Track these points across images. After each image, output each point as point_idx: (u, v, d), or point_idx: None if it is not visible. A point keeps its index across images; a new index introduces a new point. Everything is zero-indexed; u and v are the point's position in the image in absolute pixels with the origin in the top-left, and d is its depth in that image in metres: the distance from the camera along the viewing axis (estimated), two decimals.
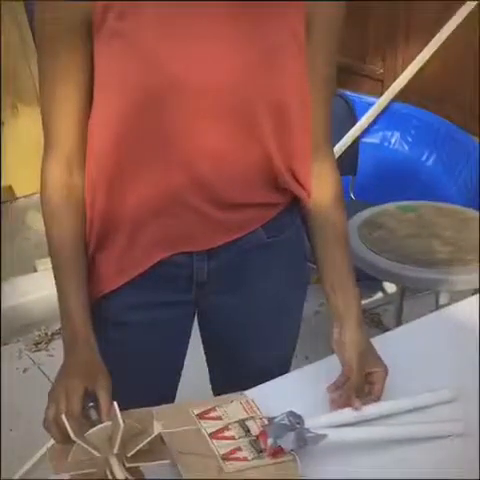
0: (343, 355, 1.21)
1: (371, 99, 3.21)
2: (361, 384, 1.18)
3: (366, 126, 2.70)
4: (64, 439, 1.00)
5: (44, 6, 1.07)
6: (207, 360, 1.45)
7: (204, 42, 1.06)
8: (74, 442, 0.96)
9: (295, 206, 1.27)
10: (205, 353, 1.44)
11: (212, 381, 1.47)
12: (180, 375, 1.38)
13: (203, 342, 1.41)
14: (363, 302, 2.58)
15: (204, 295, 1.27)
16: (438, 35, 2.94)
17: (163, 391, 1.34)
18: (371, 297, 2.70)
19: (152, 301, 1.24)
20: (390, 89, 2.92)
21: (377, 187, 2.86)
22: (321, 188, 1.24)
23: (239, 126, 1.12)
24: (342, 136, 2.24)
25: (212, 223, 1.18)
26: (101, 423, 0.99)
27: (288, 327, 1.40)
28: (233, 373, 1.38)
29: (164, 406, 1.13)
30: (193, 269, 1.23)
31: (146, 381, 1.30)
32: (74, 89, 1.11)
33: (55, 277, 1.19)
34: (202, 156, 1.12)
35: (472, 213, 2.11)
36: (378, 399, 1.18)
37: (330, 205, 1.25)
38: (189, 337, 1.35)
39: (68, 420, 0.97)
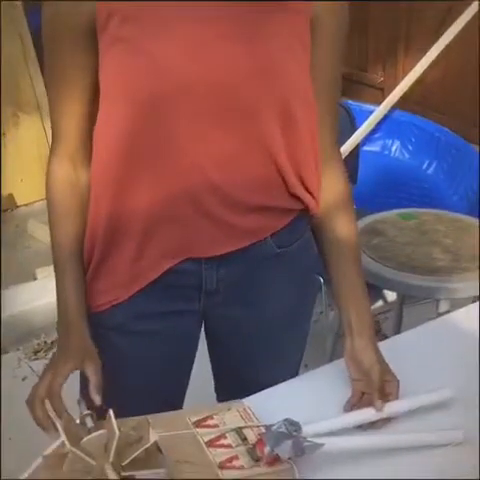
0: (360, 367, 1.19)
1: (371, 107, 3.22)
2: (382, 387, 1.17)
3: (366, 134, 2.70)
4: (43, 420, 1.07)
5: (50, 7, 1.09)
6: (213, 370, 1.44)
7: (207, 45, 1.07)
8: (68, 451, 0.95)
9: (305, 216, 1.26)
10: (211, 362, 1.42)
11: (217, 391, 1.46)
12: (187, 384, 1.37)
13: (209, 352, 1.40)
14: None
15: (212, 305, 1.26)
16: (437, 43, 2.95)
17: (170, 400, 1.33)
18: (371, 305, 2.69)
19: (160, 310, 1.23)
20: (389, 97, 2.93)
21: (378, 195, 2.86)
22: (330, 194, 1.23)
23: (246, 130, 1.11)
24: (342, 144, 2.24)
25: (223, 228, 1.18)
26: (97, 431, 0.98)
27: (296, 340, 1.39)
28: (238, 384, 1.35)
29: (161, 414, 1.12)
30: (202, 278, 1.22)
31: (152, 390, 1.29)
32: (78, 89, 1.13)
33: (56, 271, 1.21)
34: (211, 159, 1.12)
35: (472, 221, 2.11)
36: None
37: (340, 212, 1.25)
38: (196, 347, 1.34)
39: (62, 427, 0.97)
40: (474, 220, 2.11)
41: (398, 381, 1.18)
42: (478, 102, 3.29)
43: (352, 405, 1.19)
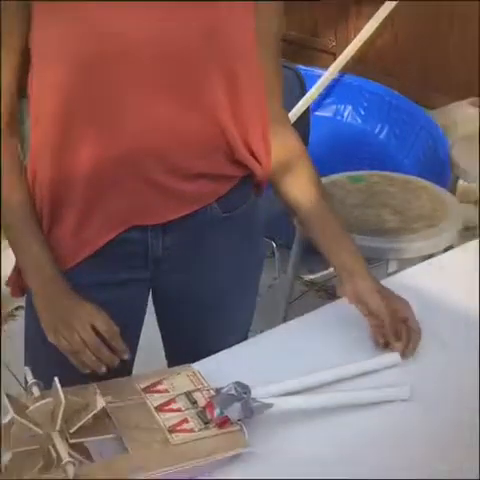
0: (368, 305, 1.20)
1: (323, 72, 3.21)
2: (396, 324, 1.19)
3: (315, 98, 2.69)
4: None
5: None
6: (162, 337, 1.43)
7: (147, 8, 1.05)
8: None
9: (250, 181, 1.26)
10: (160, 330, 1.42)
11: (168, 358, 1.46)
12: (135, 352, 1.37)
13: (158, 319, 1.40)
14: (315, 276, 2.60)
15: (159, 272, 1.26)
16: (383, 6, 2.94)
17: (119, 369, 1.32)
18: (324, 270, 2.70)
19: (107, 280, 1.23)
20: (338, 60, 2.93)
21: (330, 160, 2.85)
22: (283, 152, 1.24)
23: (190, 95, 1.11)
24: (292, 109, 2.24)
25: (167, 195, 1.17)
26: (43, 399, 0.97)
27: (245, 304, 1.40)
28: (189, 350, 1.35)
29: (110, 381, 1.11)
30: (148, 246, 1.21)
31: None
32: (9, 53, 1.09)
33: (15, 236, 1.19)
34: (154, 125, 1.11)
35: (421, 182, 2.12)
36: (420, 331, 1.20)
37: (297, 167, 1.25)
38: (144, 314, 1.34)
39: (7, 397, 0.96)
40: (423, 181, 2.13)
41: (408, 304, 1.21)
42: (428, 65, 3.31)
43: (375, 340, 1.21)
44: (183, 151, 1.15)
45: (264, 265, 1.43)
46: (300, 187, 1.26)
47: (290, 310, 2.21)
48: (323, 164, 2.85)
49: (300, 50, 3.86)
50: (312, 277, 2.57)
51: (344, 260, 1.24)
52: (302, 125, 2.15)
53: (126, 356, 1.16)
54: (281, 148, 1.24)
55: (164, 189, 1.16)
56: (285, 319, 2.16)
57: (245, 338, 1.38)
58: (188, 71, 1.09)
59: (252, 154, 1.21)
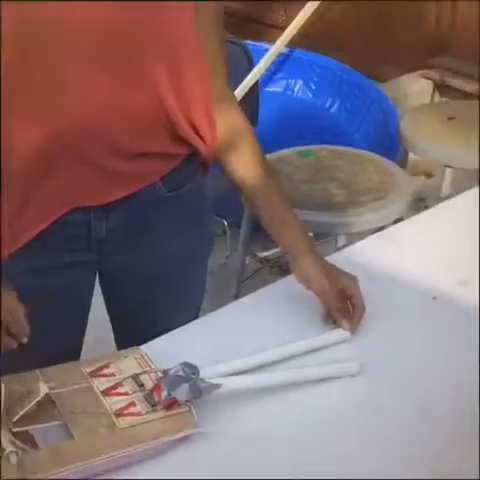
0: (312, 284, 1.20)
1: (271, 47, 3.18)
2: (341, 303, 1.19)
3: (263, 72, 2.67)
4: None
5: None
6: (111, 320, 1.41)
7: None
8: None
9: (195, 159, 1.24)
10: (109, 313, 1.40)
11: (117, 341, 1.43)
12: (83, 336, 1.35)
13: (106, 302, 1.38)
14: (268, 253, 2.59)
15: (105, 254, 1.24)
16: None
17: (67, 353, 1.30)
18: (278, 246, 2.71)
19: (51, 264, 1.20)
20: (284, 34, 2.90)
21: (281, 136, 2.84)
22: (227, 130, 1.22)
23: (130, 72, 1.09)
24: (239, 84, 2.21)
25: (109, 176, 1.15)
26: None
27: (193, 283, 1.38)
28: (138, 332, 1.33)
29: (54, 367, 1.09)
30: (91, 227, 1.19)
31: (49, 344, 1.26)
32: None
33: None
34: (93, 104, 1.08)
35: (369, 155, 2.12)
36: (364, 308, 1.19)
37: (242, 144, 1.24)
38: (91, 297, 1.32)
39: None
40: (371, 154, 2.13)
41: (355, 278, 1.21)
42: (377, 38, 3.31)
43: (324, 317, 1.21)
44: (124, 130, 1.13)
45: (216, 244, 1.42)
46: (244, 165, 1.24)
47: (244, 288, 2.20)
48: (275, 140, 2.84)
49: (250, 25, 3.83)
50: (266, 254, 2.56)
51: (288, 241, 1.23)
52: (251, 101, 2.13)
53: (24, 340, 1.10)
54: (225, 126, 1.22)
55: (105, 170, 1.14)
56: (237, 297, 2.15)
57: (196, 318, 1.36)
58: (127, 48, 1.07)
59: (196, 132, 1.19)
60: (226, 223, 2.41)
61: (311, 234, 2.35)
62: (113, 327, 1.42)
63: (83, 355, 1.34)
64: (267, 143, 2.79)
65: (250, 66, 2.28)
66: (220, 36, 1.20)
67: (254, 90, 2.27)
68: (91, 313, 1.34)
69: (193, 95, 1.16)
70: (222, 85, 1.22)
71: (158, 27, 1.08)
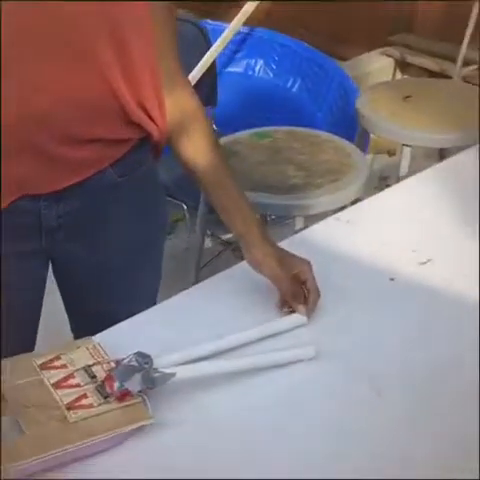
0: (264, 271, 1.19)
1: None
2: (295, 288, 1.18)
3: (220, 51, 2.63)
4: None
5: None
6: (66, 309, 1.39)
7: None
8: None
9: (146, 144, 1.22)
10: (64, 302, 1.38)
11: (73, 331, 1.42)
12: (37, 327, 1.33)
13: (61, 291, 1.35)
14: (226, 237, 2.57)
15: (55, 242, 1.21)
16: None
17: (20, 345, 1.27)
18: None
19: (2, 252, 1.17)
20: (241, 13, 2.86)
21: (243, 117, 2.82)
22: (179, 113, 1.20)
23: (77, 58, 1.06)
24: (196, 64, 2.18)
25: (58, 163, 1.13)
26: None
27: (148, 269, 1.36)
28: (93, 322, 1.31)
29: (4, 359, 1.06)
30: (40, 215, 1.17)
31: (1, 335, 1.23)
32: None
33: None
34: (40, 91, 1.06)
35: (326, 135, 2.09)
36: (318, 292, 1.18)
37: (194, 128, 1.22)
38: (44, 286, 1.29)
39: None
40: (329, 135, 2.10)
41: (309, 263, 1.19)
42: (340, 17, 3.29)
43: (280, 303, 1.20)
44: (73, 116, 1.10)
45: (177, 228, 1.39)
46: (196, 149, 1.22)
47: (208, 270, 2.18)
48: (236, 121, 2.82)
49: (212, 4, 3.78)
50: (229, 236, 2.54)
51: (240, 227, 1.21)
52: (208, 81, 2.10)
53: None
54: (177, 108, 1.20)
55: (54, 157, 1.12)
56: (197, 281, 2.13)
57: (154, 304, 1.34)
58: (74, 31, 1.05)
59: (147, 115, 1.17)
60: (185, 207, 2.38)
61: (273, 217, 2.36)
62: (69, 317, 1.40)
63: (40, 347, 1.32)
64: (228, 124, 2.78)
65: (208, 46, 2.25)
66: (171, 18, 1.17)
67: (212, 70, 2.23)
68: (47, 303, 1.32)
69: (142, 77, 1.13)
70: (174, 67, 1.20)
71: (104, 9, 1.06)
